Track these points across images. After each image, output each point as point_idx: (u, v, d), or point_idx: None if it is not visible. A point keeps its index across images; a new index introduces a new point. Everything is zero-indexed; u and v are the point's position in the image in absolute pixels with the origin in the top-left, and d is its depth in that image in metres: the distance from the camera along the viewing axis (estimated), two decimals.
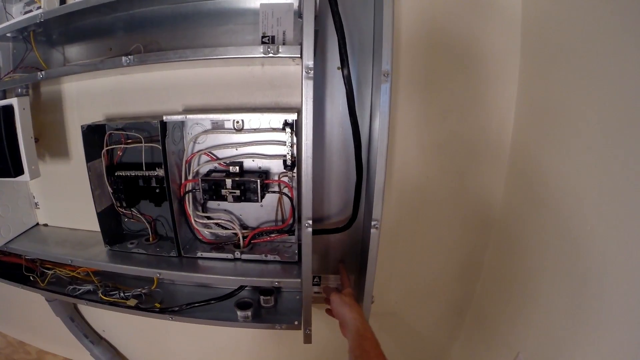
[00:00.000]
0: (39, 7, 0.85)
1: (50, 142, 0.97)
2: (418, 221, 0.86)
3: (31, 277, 1.02)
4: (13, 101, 0.84)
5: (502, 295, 0.82)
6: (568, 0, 0.62)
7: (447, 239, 0.88)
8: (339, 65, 0.75)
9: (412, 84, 0.79)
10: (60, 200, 1.03)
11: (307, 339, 0.75)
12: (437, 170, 0.84)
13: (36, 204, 1.07)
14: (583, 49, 0.59)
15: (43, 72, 0.82)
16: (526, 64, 0.74)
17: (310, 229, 0.65)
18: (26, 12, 0.91)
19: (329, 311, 0.76)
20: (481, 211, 0.85)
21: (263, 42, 0.77)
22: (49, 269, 1.01)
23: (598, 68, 0.55)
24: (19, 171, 0.86)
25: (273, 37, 0.77)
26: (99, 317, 1.18)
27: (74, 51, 0.91)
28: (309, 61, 0.59)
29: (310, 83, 0.60)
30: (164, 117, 0.74)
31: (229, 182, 0.72)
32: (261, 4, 0.76)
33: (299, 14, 0.74)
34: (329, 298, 0.73)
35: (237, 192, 0.72)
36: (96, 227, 0.87)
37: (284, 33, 0.76)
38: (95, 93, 0.91)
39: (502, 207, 0.83)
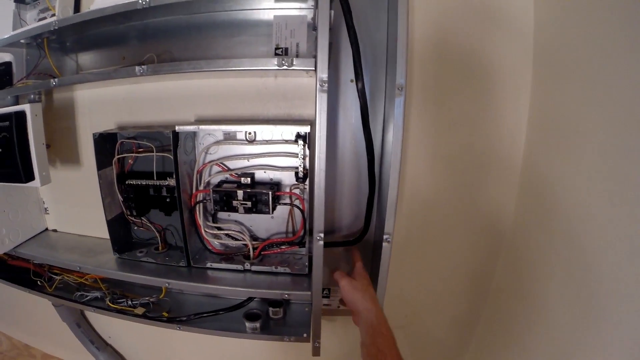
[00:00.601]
0: (53, 15, 0.86)
1: (61, 149, 0.98)
2: (428, 234, 0.86)
3: (39, 282, 1.02)
4: (26, 107, 0.85)
5: (512, 310, 0.81)
6: (581, 12, 0.62)
7: (457, 253, 0.88)
8: (352, 78, 0.75)
9: (424, 96, 0.79)
10: (70, 206, 1.04)
11: (316, 351, 0.75)
12: (447, 183, 0.83)
13: (46, 209, 1.07)
14: (595, 61, 0.59)
15: (56, 79, 0.83)
16: (538, 76, 0.74)
17: (321, 242, 0.64)
18: (40, 19, 0.92)
19: (344, 303, 0.70)
20: (492, 225, 0.85)
21: (276, 54, 0.77)
22: (57, 274, 1.01)
23: (611, 81, 0.55)
24: (30, 177, 0.87)
25: (286, 49, 0.77)
26: (106, 323, 1.18)
27: (87, 59, 0.92)
28: (324, 74, 0.60)
29: (325, 96, 0.60)
30: (177, 127, 0.74)
31: (240, 193, 0.72)
32: (275, 16, 0.76)
33: (313, 27, 0.75)
34: (338, 283, 0.68)
35: (249, 203, 0.72)
36: (105, 234, 0.87)
37: (297, 45, 0.77)
38: (107, 101, 0.91)
39: (513, 221, 0.83)
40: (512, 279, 0.83)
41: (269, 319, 0.81)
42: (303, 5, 0.74)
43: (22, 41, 0.87)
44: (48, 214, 1.07)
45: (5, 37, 0.86)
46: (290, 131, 0.73)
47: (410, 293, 0.91)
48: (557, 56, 0.69)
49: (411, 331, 0.94)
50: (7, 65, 0.93)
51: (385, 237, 0.66)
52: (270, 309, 0.80)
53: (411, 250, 0.86)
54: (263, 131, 0.75)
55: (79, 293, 0.97)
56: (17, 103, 0.96)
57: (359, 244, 0.77)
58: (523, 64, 0.75)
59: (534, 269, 0.74)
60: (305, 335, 0.76)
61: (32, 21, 0.94)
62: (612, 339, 0.52)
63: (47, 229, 1.08)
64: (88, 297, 0.95)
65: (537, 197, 0.75)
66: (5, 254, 0.99)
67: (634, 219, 0.49)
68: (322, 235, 0.64)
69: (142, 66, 0.72)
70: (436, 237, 0.86)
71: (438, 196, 0.83)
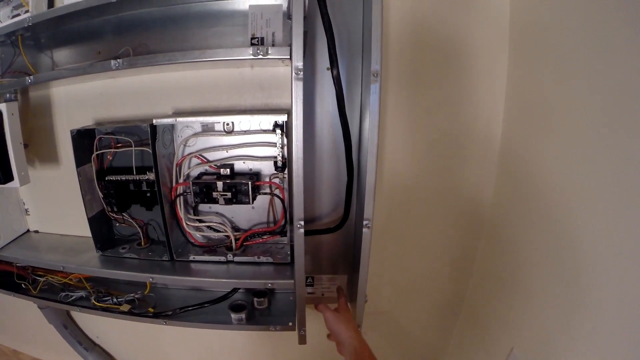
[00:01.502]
0: (27, 11, 0.84)
1: (39, 148, 0.96)
2: (409, 219, 0.87)
3: (23, 285, 1.00)
4: (1, 106, 0.83)
5: (495, 291, 0.83)
6: None
7: (438, 237, 0.89)
8: (329, 66, 0.75)
9: (401, 83, 0.79)
10: (51, 206, 1.02)
11: (302, 339, 0.75)
12: (426, 168, 0.84)
13: (26, 210, 1.05)
14: (572, 45, 0.59)
15: (32, 77, 0.81)
16: (515, 60, 0.75)
17: (302, 230, 0.64)
18: (14, 16, 0.90)
19: (330, 336, 0.75)
20: (471, 208, 0.86)
21: (252, 44, 0.76)
22: (40, 276, 0.99)
23: (587, 64, 0.56)
24: (9, 178, 0.85)
25: (262, 38, 0.76)
26: (93, 323, 1.17)
27: (63, 55, 0.90)
28: (299, 62, 0.59)
29: (300, 84, 0.60)
30: (154, 121, 0.73)
31: (220, 184, 0.72)
32: (250, 6, 0.76)
33: (288, 15, 0.74)
34: (324, 315, 0.73)
35: (229, 194, 0.72)
36: (88, 232, 0.86)
37: (273, 34, 0.76)
38: (84, 97, 0.90)
39: (492, 204, 0.84)
40: (493, 261, 0.84)
41: (254, 310, 0.81)
42: None
43: None
44: (29, 215, 1.05)
45: None
46: (268, 121, 0.73)
47: (393, 278, 0.92)
48: (533, 39, 0.69)
49: (394, 316, 0.96)
50: None
51: (365, 222, 0.66)
52: (255, 299, 0.80)
53: (392, 235, 0.87)
54: (241, 121, 0.75)
55: (64, 293, 0.96)
56: None
57: (340, 231, 0.78)
58: (499, 48, 0.76)
59: (515, 251, 0.75)
60: (290, 324, 0.77)
61: (6, 18, 0.91)
62: (596, 318, 0.53)
63: (28, 230, 1.06)
64: (73, 297, 0.94)
65: (516, 180, 0.76)
66: None
67: (612, 198, 0.50)
68: (302, 223, 0.64)
69: (118, 60, 0.71)
70: (417, 221, 0.87)
71: (418, 181, 0.84)
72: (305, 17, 0.60)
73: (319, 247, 0.82)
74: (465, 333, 0.94)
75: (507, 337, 0.76)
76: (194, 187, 0.73)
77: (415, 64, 0.78)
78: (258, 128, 0.75)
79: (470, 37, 0.76)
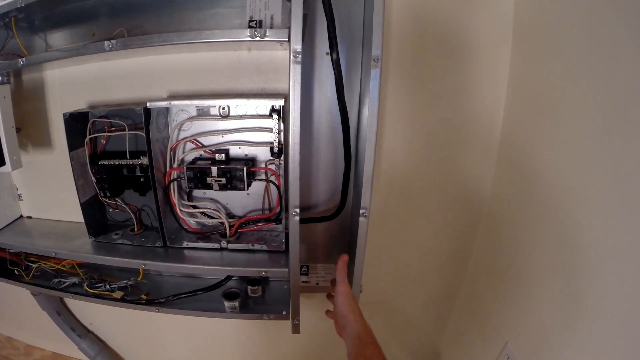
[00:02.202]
0: None
1: (32, 132, 0.95)
2: (406, 209, 0.86)
3: (16, 271, 0.99)
4: None
5: (491, 284, 0.82)
6: None
7: (435, 227, 0.88)
8: (328, 51, 0.73)
9: (402, 71, 0.77)
10: (44, 191, 1.01)
11: (296, 329, 0.74)
12: (425, 158, 0.83)
13: (19, 195, 1.04)
14: (575, 39, 0.58)
15: (24, 59, 0.79)
16: (517, 52, 0.74)
17: (297, 218, 0.63)
18: None
19: (329, 312, 0.71)
20: (470, 199, 0.85)
21: (250, 26, 0.75)
22: (33, 262, 0.98)
23: (589, 58, 0.55)
24: (0, 162, 0.84)
25: (260, 21, 0.74)
26: (86, 310, 1.16)
27: (57, 37, 0.88)
28: (297, 45, 0.58)
29: (298, 68, 0.58)
30: (148, 104, 0.72)
31: (214, 170, 0.71)
32: None
33: None
34: (338, 288, 0.66)
35: (223, 180, 0.70)
36: (81, 218, 0.85)
37: (271, 17, 0.74)
38: (78, 80, 0.88)
39: (491, 195, 0.83)
40: (490, 254, 0.83)
41: (248, 298, 0.81)
42: None
43: None
44: (22, 200, 1.04)
45: None
46: (264, 105, 0.72)
47: (389, 268, 0.91)
48: (536, 33, 0.68)
49: (389, 306, 0.95)
50: None
51: (361, 211, 0.65)
52: (249, 287, 0.80)
53: (389, 226, 0.86)
54: (237, 105, 0.73)
55: (57, 280, 0.95)
56: None
57: (336, 219, 0.76)
58: (502, 40, 0.74)
59: (513, 245, 0.74)
60: (284, 312, 0.76)
61: None
62: (593, 316, 0.52)
63: (21, 216, 1.05)
64: (66, 284, 0.93)
65: (515, 172, 0.75)
66: None
67: (613, 194, 0.49)
68: (297, 210, 0.63)
69: (112, 41, 0.70)
70: (414, 211, 0.86)
71: (416, 171, 0.83)
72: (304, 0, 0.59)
73: (314, 236, 0.81)
74: (461, 323, 0.94)
75: (502, 330, 0.76)
76: (188, 172, 0.72)
77: (416, 53, 0.77)
78: (254, 113, 0.73)
79: (473, 28, 0.74)
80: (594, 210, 0.53)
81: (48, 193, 1.00)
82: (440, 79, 0.78)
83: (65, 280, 0.94)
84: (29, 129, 0.95)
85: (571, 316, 0.57)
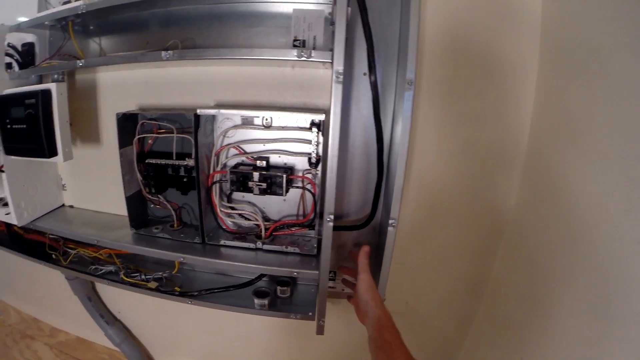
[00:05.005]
0: None
1: (81, 128, 1.02)
2: (432, 225, 0.90)
3: (53, 256, 1.05)
4: (52, 86, 0.88)
5: (511, 304, 0.85)
6: (588, 7, 0.65)
7: (459, 242, 0.91)
8: (365, 72, 0.79)
9: (433, 91, 0.82)
10: (88, 183, 1.08)
11: (320, 329, 0.78)
12: (452, 176, 0.87)
13: (63, 185, 1.11)
14: (602, 59, 0.61)
15: (83, 61, 0.85)
16: (544, 73, 0.77)
17: (331, 224, 0.68)
18: (65, 2, 0.96)
19: (349, 284, 0.75)
20: (493, 217, 0.88)
21: (294, 46, 0.81)
22: (72, 249, 1.05)
23: (617, 78, 0.57)
24: (53, 152, 0.90)
25: (304, 41, 0.80)
26: (116, 298, 1.22)
27: (110, 42, 0.95)
28: (339, 67, 0.63)
29: (340, 87, 0.64)
30: (198, 111, 0.78)
31: (256, 175, 0.76)
32: (294, 9, 0.80)
33: (330, 21, 0.78)
34: (361, 275, 0.70)
35: (264, 185, 0.76)
36: (121, 211, 0.91)
37: (314, 38, 0.80)
38: (129, 84, 0.95)
39: (514, 214, 0.86)
40: (512, 270, 0.86)
41: (277, 298, 0.85)
42: (321, 0, 0.77)
43: (46, 23, 0.91)
44: (65, 190, 1.11)
45: (31, 18, 0.90)
46: (305, 119, 0.77)
47: (412, 281, 0.95)
48: (563, 53, 0.71)
49: (410, 318, 0.98)
50: (30, 45, 0.96)
51: (390, 221, 0.70)
52: (279, 287, 0.84)
53: (415, 240, 0.90)
54: (280, 117, 0.79)
55: (94, 267, 1.01)
56: (40, 82, 1.00)
57: (365, 229, 0.81)
58: (529, 61, 0.78)
59: (535, 265, 0.77)
60: (310, 313, 0.80)
61: (57, 3, 0.97)
62: (621, 337, 0.52)
63: (63, 205, 1.12)
64: (102, 271, 0.99)
65: (540, 191, 0.77)
66: (21, 228, 1.03)
67: None
68: (332, 216, 0.68)
69: (168, 51, 0.76)
70: (440, 227, 0.90)
71: (443, 187, 0.87)
72: (346, 24, 0.64)
73: (343, 244, 0.86)
74: (481, 341, 0.96)
75: (520, 349, 0.77)
76: (231, 176, 0.78)
77: (447, 72, 0.81)
78: (295, 125, 0.79)
79: (501, 49, 0.78)
80: (624, 232, 0.54)
81: (91, 185, 1.07)
82: (468, 99, 0.82)
83: (102, 267, 1.00)
84: (79, 125, 1.02)
85: (598, 341, 0.56)
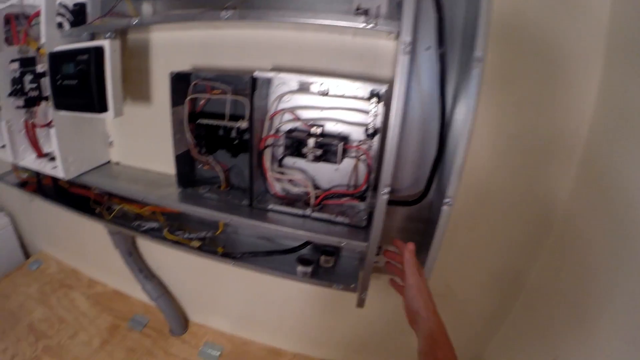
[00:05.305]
0: None
1: (132, 86, 1.03)
2: (479, 210, 0.88)
3: (97, 210, 1.09)
4: (105, 43, 0.88)
5: (551, 298, 0.83)
6: None
7: (505, 233, 0.90)
8: (428, 46, 0.76)
9: (493, 71, 0.77)
10: (135, 141, 1.10)
11: (361, 302, 0.79)
12: (505, 163, 0.84)
13: (111, 142, 1.14)
14: None
15: (137, 18, 0.85)
16: (609, 66, 0.73)
17: (386, 197, 0.68)
18: None
19: (397, 286, 0.72)
20: (543, 210, 0.86)
21: (357, 14, 0.78)
22: (116, 204, 1.08)
23: None
24: (104, 108, 0.91)
25: (367, 10, 0.78)
26: (155, 254, 1.26)
27: (164, 5, 0.93)
28: (407, 37, 0.61)
29: (407, 58, 0.62)
30: (255, 73, 0.77)
31: (311, 141, 0.76)
32: None
33: None
34: (410, 280, 0.65)
35: (319, 152, 0.75)
36: (167, 169, 0.92)
37: (378, 7, 0.77)
38: (183, 44, 0.95)
39: (565, 210, 0.83)
40: (555, 269, 0.84)
41: (319, 267, 0.86)
42: None
43: None
44: (112, 147, 1.14)
45: None
46: (365, 88, 0.75)
47: (456, 264, 0.94)
48: (631, 48, 0.67)
49: (448, 302, 0.97)
50: (82, 5, 0.95)
51: (446, 200, 0.69)
52: (323, 257, 0.85)
53: (461, 225, 0.88)
54: (338, 85, 0.77)
55: (137, 223, 1.04)
56: (92, 40, 1.01)
57: (416, 206, 0.80)
58: (595, 52, 0.74)
59: (582, 264, 0.75)
60: (353, 285, 0.81)
61: None
62: None
63: (110, 161, 1.15)
64: (146, 227, 1.02)
65: (596, 187, 0.75)
66: (67, 182, 1.06)
67: None
68: (388, 189, 0.67)
69: (228, 11, 0.74)
70: (487, 215, 0.88)
71: (494, 172, 0.84)
72: None
73: (392, 219, 0.85)
74: (514, 331, 0.95)
75: (552, 348, 0.77)
76: (286, 140, 0.77)
77: (509, 56, 0.77)
78: (353, 94, 0.77)
79: (566, 38, 0.74)
80: None
81: (139, 143, 1.09)
82: (528, 86, 0.79)
83: (145, 224, 1.03)
84: (129, 83, 1.02)
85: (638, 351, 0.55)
